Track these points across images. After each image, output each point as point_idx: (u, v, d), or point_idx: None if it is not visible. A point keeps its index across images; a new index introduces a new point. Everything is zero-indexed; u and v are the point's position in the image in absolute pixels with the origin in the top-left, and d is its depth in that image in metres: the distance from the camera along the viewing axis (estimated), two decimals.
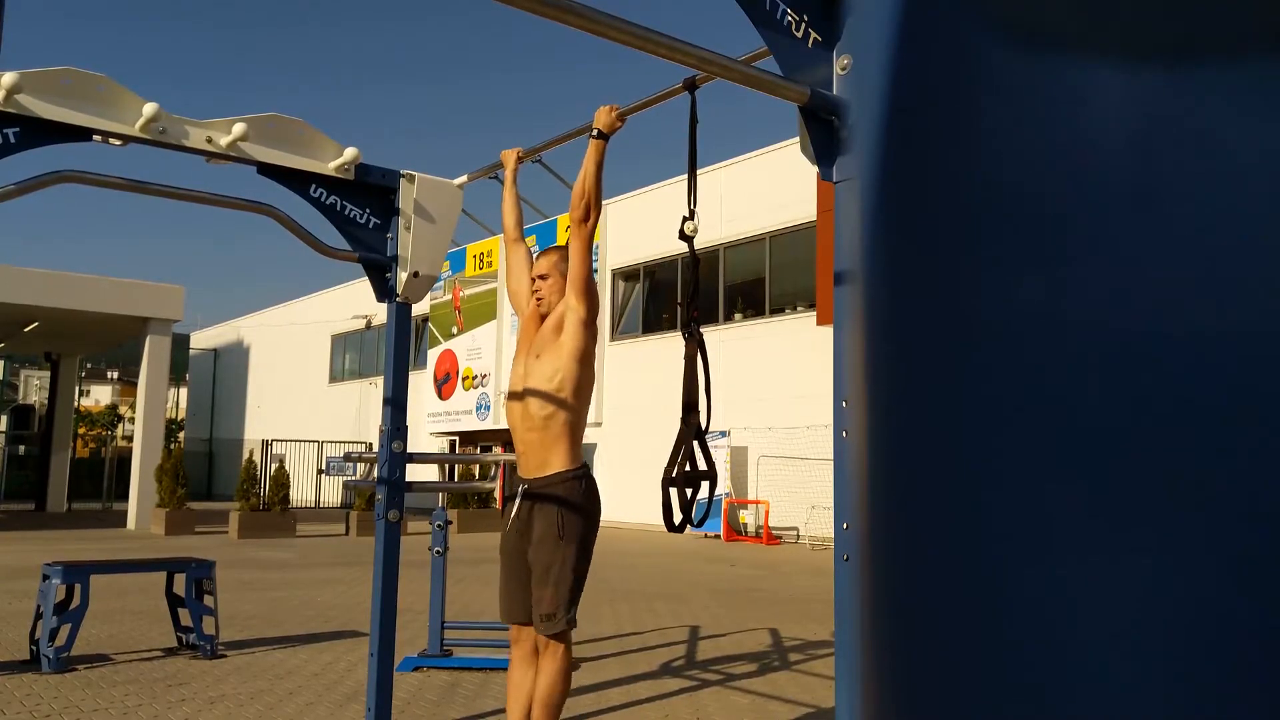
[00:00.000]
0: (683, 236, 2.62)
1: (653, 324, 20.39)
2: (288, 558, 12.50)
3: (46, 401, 25.01)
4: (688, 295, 2.69)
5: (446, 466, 19.18)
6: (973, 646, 1.38)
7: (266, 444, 18.77)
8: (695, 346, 2.65)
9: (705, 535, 16.57)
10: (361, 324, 28.51)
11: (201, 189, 3.54)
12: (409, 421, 3.92)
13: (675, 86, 2.83)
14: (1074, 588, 1.28)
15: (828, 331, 9.44)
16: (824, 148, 1.94)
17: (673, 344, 17.72)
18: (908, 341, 1.54)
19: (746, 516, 17.03)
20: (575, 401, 3.36)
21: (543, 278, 3.56)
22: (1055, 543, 1.30)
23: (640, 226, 19.96)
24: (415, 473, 4.11)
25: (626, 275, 20.96)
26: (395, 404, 3.85)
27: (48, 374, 26.31)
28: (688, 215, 2.61)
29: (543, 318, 3.55)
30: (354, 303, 28.05)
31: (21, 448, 27.77)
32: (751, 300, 18.21)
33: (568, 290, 3.40)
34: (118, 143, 3.14)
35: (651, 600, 8.82)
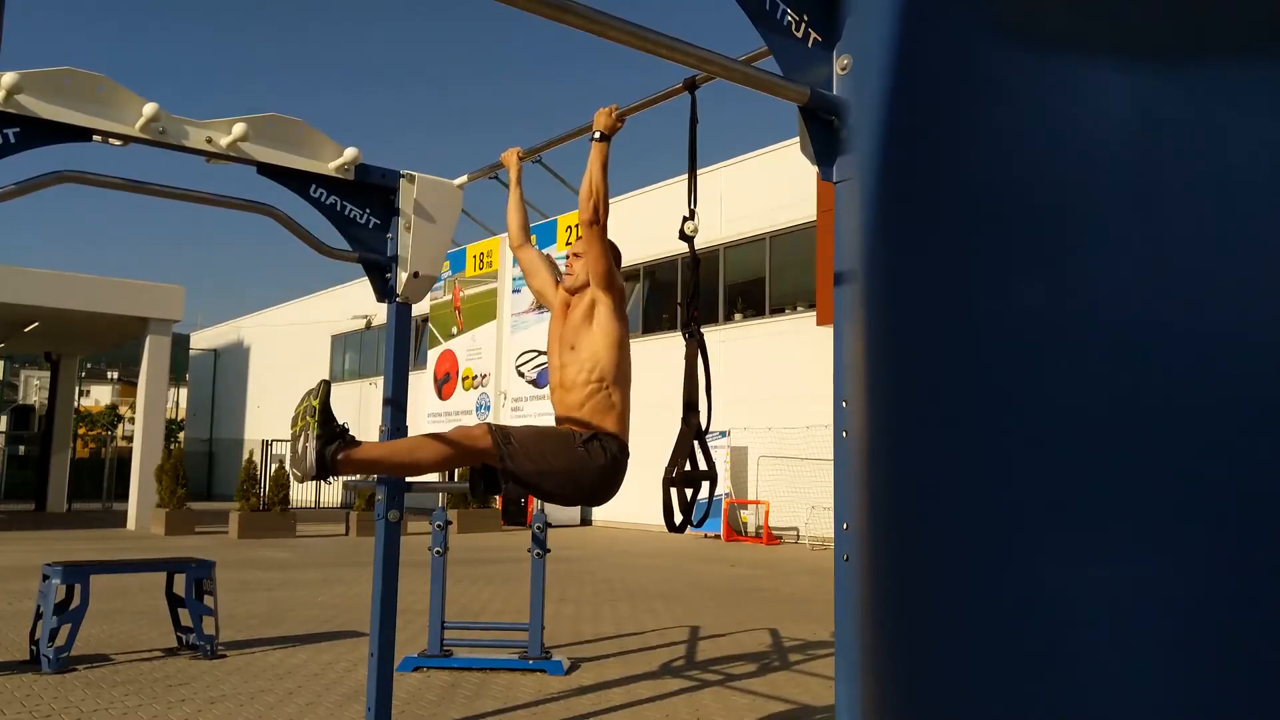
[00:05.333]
0: (683, 236, 2.63)
1: (653, 324, 20.38)
2: (288, 558, 12.49)
3: (46, 401, 25.01)
4: (688, 295, 2.69)
5: None
6: (972, 646, 1.38)
7: (266, 444, 18.75)
8: (695, 347, 2.66)
9: (705, 535, 16.57)
10: (361, 324, 28.49)
11: (201, 189, 3.55)
12: (409, 421, 3.92)
13: (675, 86, 2.83)
14: (1072, 586, 1.28)
15: (828, 331, 9.44)
16: (824, 148, 1.94)
17: (673, 344, 17.67)
18: (908, 341, 1.54)
19: (746, 516, 17.01)
20: (616, 387, 3.26)
21: (576, 255, 3.44)
22: (1054, 541, 1.30)
23: (640, 226, 19.95)
24: None
25: (626, 275, 20.90)
26: (395, 404, 3.85)
27: (48, 374, 26.30)
28: (688, 215, 2.61)
29: (566, 309, 3.44)
30: (354, 303, 28.03)
31: (21, 448, 27.73)
32: (751, 300, 18.20)
33: (592, 285, 3.31)
34: (118, 143, 3.14)
35: (651, 600, 8.82)
